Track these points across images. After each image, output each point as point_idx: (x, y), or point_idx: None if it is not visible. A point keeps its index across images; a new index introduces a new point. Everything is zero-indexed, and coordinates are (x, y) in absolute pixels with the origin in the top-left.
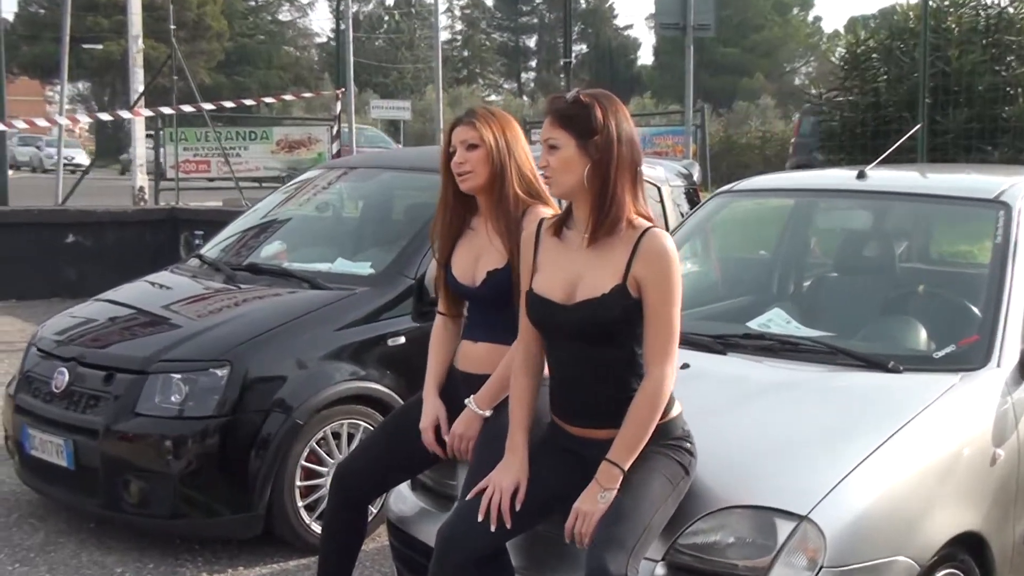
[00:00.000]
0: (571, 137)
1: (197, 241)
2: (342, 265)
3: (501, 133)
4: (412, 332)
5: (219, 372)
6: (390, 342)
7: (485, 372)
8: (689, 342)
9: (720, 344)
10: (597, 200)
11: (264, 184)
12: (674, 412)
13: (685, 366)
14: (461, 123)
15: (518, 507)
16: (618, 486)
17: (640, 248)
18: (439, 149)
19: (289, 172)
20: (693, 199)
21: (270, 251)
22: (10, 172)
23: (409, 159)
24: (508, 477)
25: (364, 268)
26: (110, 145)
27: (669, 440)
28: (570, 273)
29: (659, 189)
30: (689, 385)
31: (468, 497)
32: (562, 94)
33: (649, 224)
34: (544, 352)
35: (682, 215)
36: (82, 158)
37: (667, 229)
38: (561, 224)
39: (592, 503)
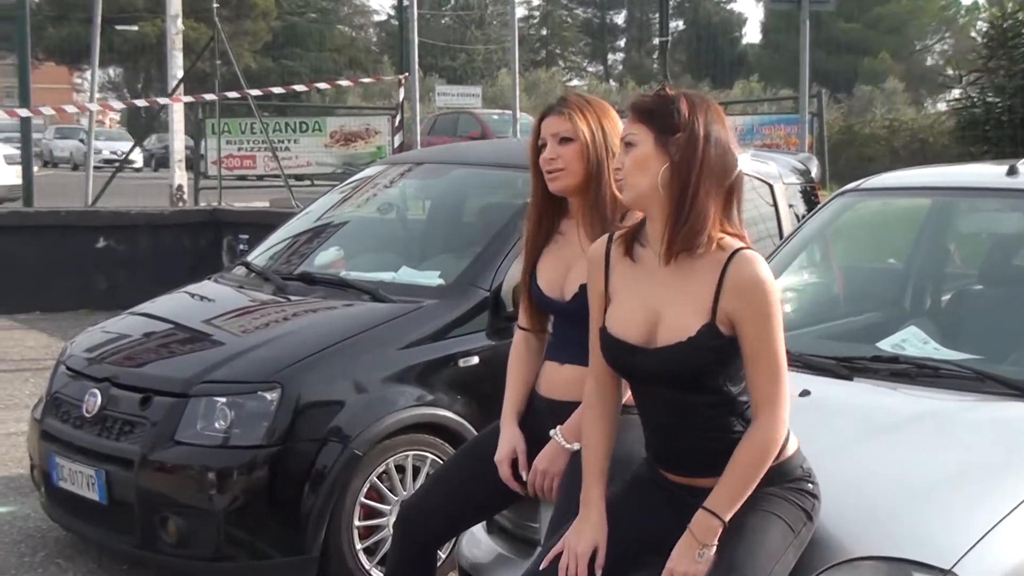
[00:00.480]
0: (649, 132)
1: (242, 246)
2: (407, 274)
3: (598, 124)
4: (487, 351)
5: (268, 396)
6: (462, 362)
7: (572, 399)
8: (809, 365)
9: (845, 368)
10: (674, 207)
11: (316, 182)
12: (791, 449)
13: (805, 393)
14: (552, 112)
15: (598, 573)
16: (716, 541)
17: (728, 276)
18: (520, 143)
19: (345, 168)
20: (811, 199)
21: (325, 258)
22: (47, 169)
23: (485, 153)
24: (584, 540)
25: (432, 278)
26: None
27: (787, 482)
28: (648, 307)
29: (771, 187)
30: (809, 416)
31: (542, 566)
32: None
33: (740, 245)
34: (621, 386)
35: (798, 218)
36: (132, 154)
37: (780, 233)
38: (632, 240)
39: (689, 562)
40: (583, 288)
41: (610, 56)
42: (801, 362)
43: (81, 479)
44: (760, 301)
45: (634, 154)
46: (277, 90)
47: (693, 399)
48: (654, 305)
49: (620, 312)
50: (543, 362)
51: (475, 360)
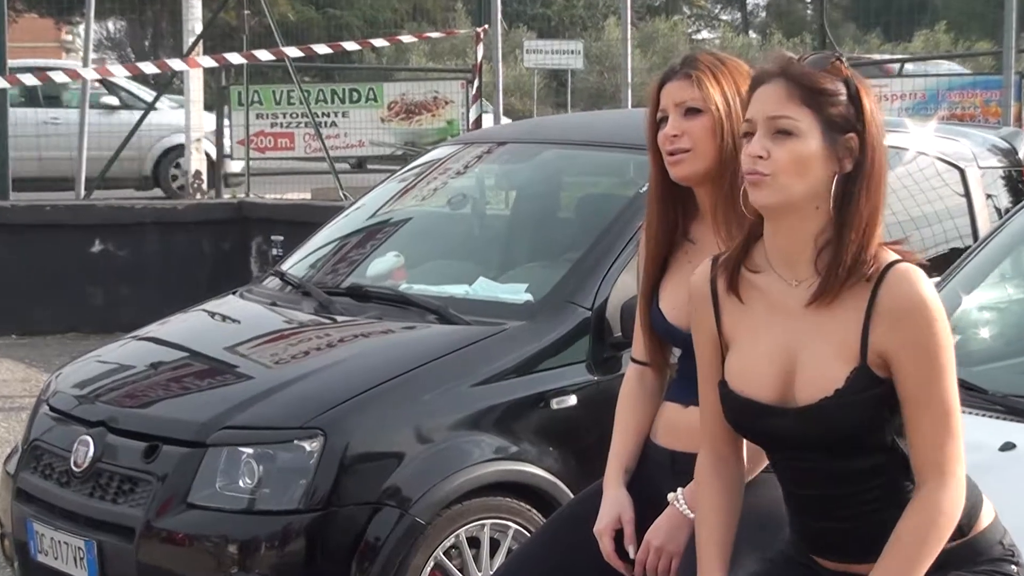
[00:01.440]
0: (815, 121)
1: (276, 251)
2: (485, 288)
3: (735, 91)
4: (587, 389)
5: (307, 446)
6: (555, 403)
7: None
8: (1013, 410)
9: None
10: (838, 232)
11: (371, 167)
12: (986, 520)
13: (1008, 446)
14: (675, 76)
15: None
16: None
17: (880, 300)
18: (633, 116)
19: (407, 149)
20: (1017, 188)
21: (381, 267)
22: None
23: (587, 129)
24: None
25: (517, 293)
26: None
27: (981, 563)
28: (779, 353)
29: (962, 173)
30: (1013, 475)
31: None
32: (805, 55)
33: (892, 258)
34: (743, 448)
35: (1000, 212)
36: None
37: (974, 233)
38: (736, 265)
39: None
40: None
41: (749, 0)
42: (1004, 406)
43: (67, 552)
44: (921, 330)
45: (792, 147)
46: (321, 49)
47: (852, 465)
48: (786, 350)
49: (742, 362)
50: (662, 404)
51: (572, 400)
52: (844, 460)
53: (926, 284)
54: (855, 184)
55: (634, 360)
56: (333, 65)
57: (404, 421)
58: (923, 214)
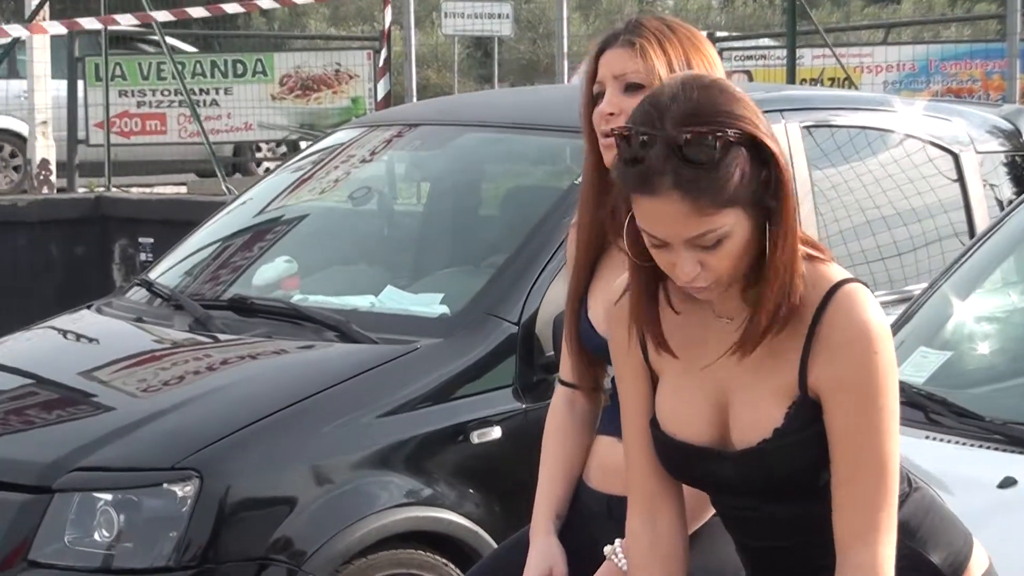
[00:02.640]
0: (740, 212)
1: (143, 255)
2: (394, 299)
3: (684, 64)
4: (514, 419)
5: (179, 490)
6: (476, 437)
7: None
8: (1015, 439)
9: None
10: (761, 286)
11: (261, 154)
12: (976, 570)
13: (1008, 482)
14: (615, 43)
15: None
16: None
17: (821, 325)
18: (568, 92)
19: (302, 133)
20: (1021, 176)
21: (270, 275)
22: None
23: (514, 108)
24: None
25: (431, 305)
26: None
27: None
28: (712, 390)
29: (956, 158)
30: (1014, 519)
31: None
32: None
33: (839, 277)
34: (676, 491)
35: (1001, 205)
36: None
37: (970, 229)
38: (654, 285)
39: None
40: None
41: None
42: (1003, 435)
43: None
44: (857, 364)
45: (729, 249)
46: (197, 12)
47: (802, 511)
48: (720, 388)
49: (673, 402)
50: (596, 438)
51: (497, 433)
52: (792, 506)
53: (871, 307)
54: (773, 233)
55: (562, 382)
56: (213, 32)
57: (297, 460)
58: (911, 208)
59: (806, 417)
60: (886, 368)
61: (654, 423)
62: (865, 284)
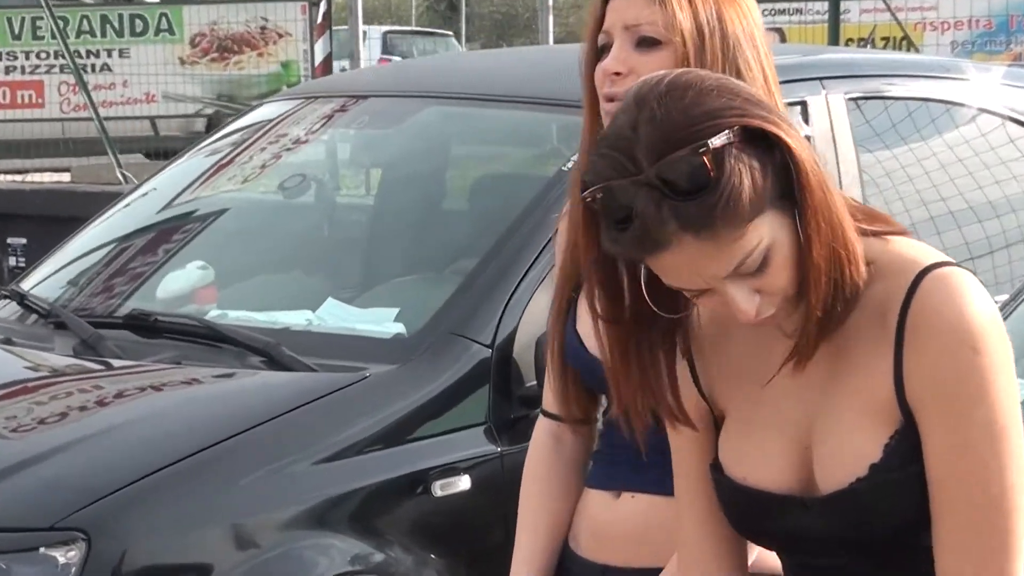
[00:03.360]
0: (771, 223)
1: (14, 260)
2: (336, 315)
3: (714, 14)
4: (487, 465)
5: (61, 556)
6: (438, 488)
7: (642, 565)
8: None
9: None
10: (817, 276)
11: (165, 132)
12: None
13: None
14: None
15: None
16: None
17: (909, 321)
18: (564, 53)
19: (219, 107)
20: None
21: (179, 285)
22: None
23: (488, 76)
24: None
25: (383, 322)
26: None
27: None
28: (786, 422)
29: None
30: None
31: None
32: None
33: (928, 260)
34: (743, 559)
35: None
36: None
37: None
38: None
39: None
40: None
41: None
42: None
43: None
44: (953, 364)
45: (778, 263)
46: None
47: (900, 572)
48: (796, 418)
49: (741, 440)
50: (584, 492)
51: (464, 483)
52: (891, 563)
53: (973, 295)
54: (803, 226)
55: (545, 413)
56: None
57: (212, 517)
58: (987, 200)
59: (909, 452)
60: (992, 373)
61: (716, 468)
62: (967, 269)
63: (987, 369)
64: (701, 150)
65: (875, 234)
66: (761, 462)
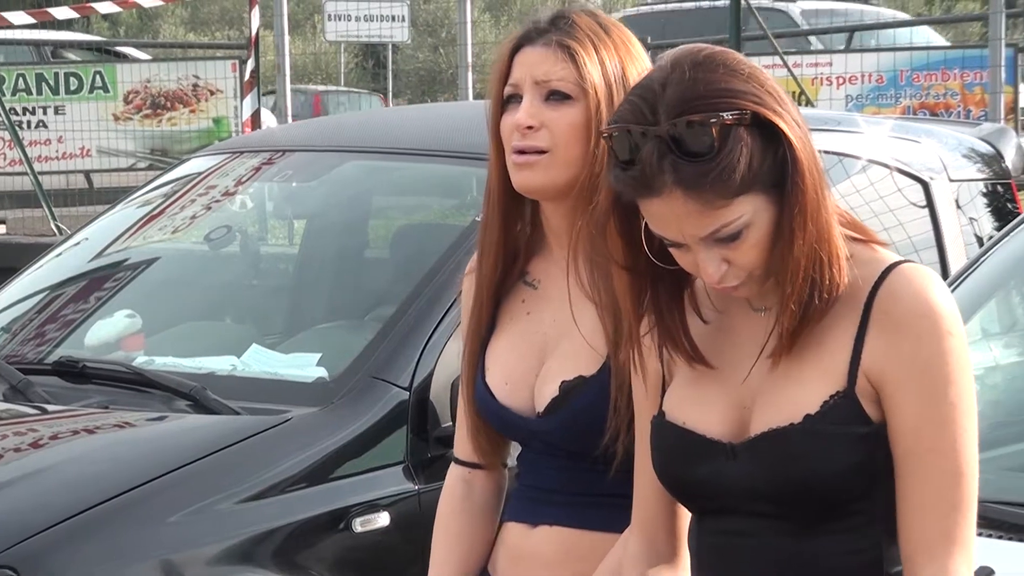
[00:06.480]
0: (759, 197)
1: None
2: (260, 360)
3: (619, 71)
4: (406, 503)
5: None
6: (359, 524)
7: None
8: (994, 522)
9: None
10: (795, 270)
11: (99, 186)
12: None
13: (985, 573)
14: (538, 40)
15: None
16: None
17: (876, 306)
18: (471, 109)
19: (152, 160)
20: (1004, 207)
21: (107, 332)
22: None
23: (409, 130)
24: None
25: (305, 367)
26: None
27: None
28: (739, 379)
29: (926, 188)
30: None
31: None
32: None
33: (894, 258)
34: (682, 546)
35: (979, 240)
36: None
37: (943, 270)
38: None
39: None
40: (567, 391)
41: None
42: (982, 517)
43: None
44: (928, 347)
45: (753, 239)
46: (18, 18)
47: (813, 545)
48: (750, 382)
49: (688, 390)
50: (503, 524)
51: (383, 520)
52: (803, 537)
53: (939, 290)
54: (788, 218)
55: (457, 460)
56: (40, 38)
57: (140, 555)
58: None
59: (847, 414)
60: (960, 355)
61: (658, 415)
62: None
63: (961, 352)
64: (712, 120)
65: (856, 240)
66: (702, 408)
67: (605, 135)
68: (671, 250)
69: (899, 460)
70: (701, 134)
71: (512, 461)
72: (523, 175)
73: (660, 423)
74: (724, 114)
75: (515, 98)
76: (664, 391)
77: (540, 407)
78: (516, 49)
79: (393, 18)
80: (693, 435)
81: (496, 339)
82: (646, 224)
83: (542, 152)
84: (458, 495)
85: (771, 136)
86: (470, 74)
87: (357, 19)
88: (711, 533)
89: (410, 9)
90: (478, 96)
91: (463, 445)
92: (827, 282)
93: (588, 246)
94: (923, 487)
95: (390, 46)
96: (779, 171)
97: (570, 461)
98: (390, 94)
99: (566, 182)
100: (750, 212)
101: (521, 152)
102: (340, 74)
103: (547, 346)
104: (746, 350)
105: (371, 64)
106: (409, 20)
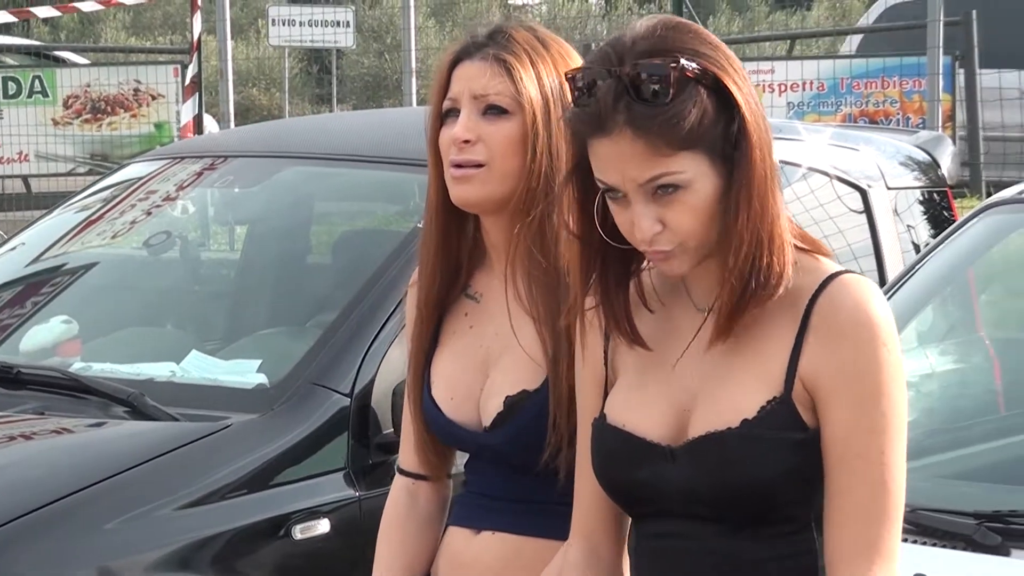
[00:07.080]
0: (703, 158)
1: None
2: (200, 366)
3: (556, 86)
4: (346, 510)
5: None
6: (299, 531)
7: None
8: (925, 529)
9: (997, 532)
10: (722, 259)
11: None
12: None
13: None
14: (475, 55)
15: None
16: None
17: (815, 315)
18: (412, 115)
19: (92, 165)
20: (939, 215)
21: (43, 338)
22: None
23: (351, 136)
24: None
25: (246, 373)
26: None
27: None
28: (681, 385)
29: (864, 195)
30: None
31: None
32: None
33: (835, 268)
34: (622, 551)
35: (916, 247)
36: None
37: (880, 277)
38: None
39: None
40: (511, 405)
41: None
42: (914, 524)
43: None
44: (864, 356)
45: (689, 201)
46: None
47: (743, 548)
48: (692, 384)
49: (631, 393)
50: (446, 530)
51: (324, 527)
52: (743, 536)
53: (878, 301)
54: (735, 192)
55: (401, 471)
56: None
57: (76, 562)
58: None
59: (783, 420)
60: (894, 367)
61: (599, 418)
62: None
63: (895, 364)
64: (672, 64)
65: (802, 250)
66: (643, 411)
67: (569, 76)
68: (611, 204)
69: (829, 468)
70: (658, 79)
71: (457, 468)
72: (461, 189)
73: (601, 426)
74: (684, 63)
75: (453, 112)
76: (607, 394)
77: (486, 421)
78: (455, 63)
79: (338, 23)
80: (633, 438)
81: (440, 353)
82: (601, 197)
83: (479, 166)
84: (402, 505)
85: (726, 105)
86: (414, 80)
87: (301, 24)
88: (649, 536)
89: (355, 15)
90: (422, 102)
91: (408, 457)
92: (768, 266)
93: (526, 260)
94: (849, 495)
95: (335, 52)
96: (730, 144)
97: (517, 472)
98: (334, 101)
99: (503, 196)
100: (692, 171)
101: (459, 166)
102: (284, 79)
103: (490, 359)
104: (685, 345)
105: (316, 69)
106: (355, 26)
